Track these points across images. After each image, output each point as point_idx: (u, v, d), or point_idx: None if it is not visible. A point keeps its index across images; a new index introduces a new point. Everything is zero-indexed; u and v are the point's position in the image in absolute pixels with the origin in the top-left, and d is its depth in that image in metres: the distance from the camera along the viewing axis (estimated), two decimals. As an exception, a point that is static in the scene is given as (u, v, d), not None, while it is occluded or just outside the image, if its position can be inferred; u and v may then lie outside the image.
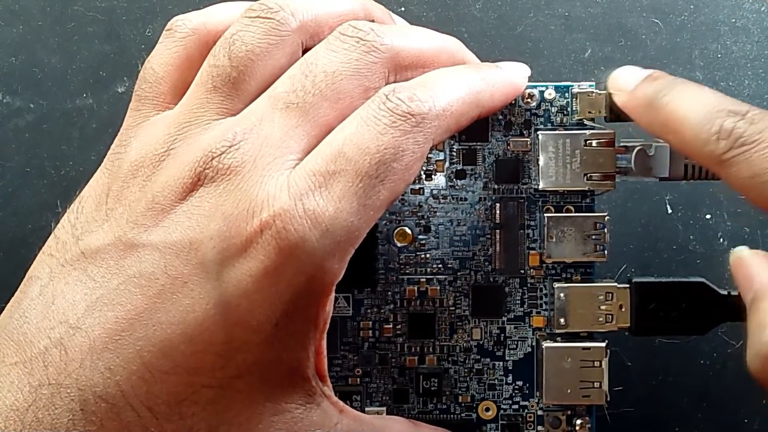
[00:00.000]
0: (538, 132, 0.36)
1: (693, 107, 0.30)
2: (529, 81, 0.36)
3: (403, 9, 0.43)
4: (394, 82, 0.30)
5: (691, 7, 0.43)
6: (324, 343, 0.30)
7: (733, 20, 0.43)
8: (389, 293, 0.37)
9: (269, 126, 0.28)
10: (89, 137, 0.42)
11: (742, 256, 0.31)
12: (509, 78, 0.34)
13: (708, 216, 0.42)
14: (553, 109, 0.37)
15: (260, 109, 0.29)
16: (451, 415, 0.37)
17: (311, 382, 0.30)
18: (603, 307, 0.36)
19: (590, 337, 0.36)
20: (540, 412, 0.37)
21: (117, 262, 0.28)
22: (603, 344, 0.36)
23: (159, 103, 0.31)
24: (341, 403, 0.31)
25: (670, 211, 0.42)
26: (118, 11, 0.43)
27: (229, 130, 0.28)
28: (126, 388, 0.27)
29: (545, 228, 0.36)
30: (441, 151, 0.37)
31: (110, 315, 0.27)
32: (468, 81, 0.31)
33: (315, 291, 0.28)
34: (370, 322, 0.37)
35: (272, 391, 0.29)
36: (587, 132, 0.35)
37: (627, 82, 0.33)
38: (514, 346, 0.37)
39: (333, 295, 0.29)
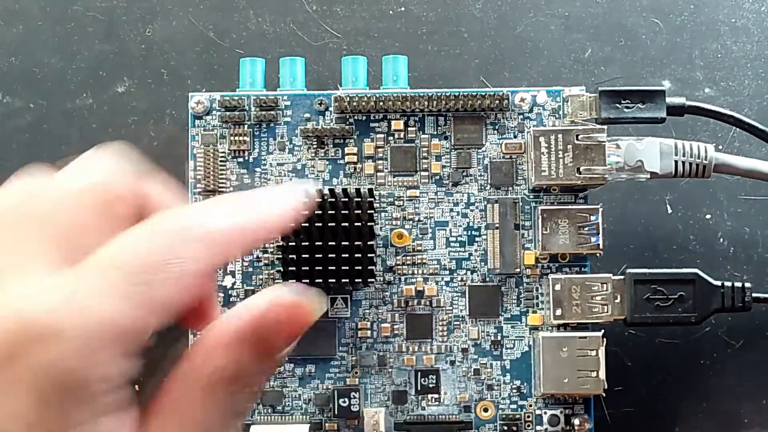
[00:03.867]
0: (531, 128, 0.36)
1: None
2: (522, 86, 0.36)
3: (403, 8, 0.43)
4: None
5: (692, 7, 0.43)
6: None
7: (733, 20, 0.43)
8: (387, 294, 0.37)
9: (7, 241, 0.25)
10: (89, 137, 0.42)
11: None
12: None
13: (708, 216, 0.42)
14: (545, 112, 0.37)
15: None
16: (450, 416, 0.37)
17: None
18: (598, 298, 0.36)
19: (586, 328, 0.36)
20: (538, 411, 0.37)
21: None
22: (599, 333, 0.36)
23: None
24: None
25: (670, 210, 0.42)
26: (118, 11, 0.43)
27: None
28: None
29: (539, 220, 0.36)
30: (437, 153, 0.37)
31: None
32: None
33: (90, 387, 0.24)
34: (368, 323, 0.37)
35: None
36: (579, 127, 0.36)
37: None
38: (511, 345, 0.37)
39: None
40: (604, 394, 0.36)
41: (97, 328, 0.24)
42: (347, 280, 0.36)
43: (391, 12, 0.43)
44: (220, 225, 0.26)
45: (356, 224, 0.36)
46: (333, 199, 0.36)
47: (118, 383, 0.24)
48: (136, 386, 0.25)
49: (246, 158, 0.38)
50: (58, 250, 0.25)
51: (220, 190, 0.38)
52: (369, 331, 0.37)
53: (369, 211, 0.36)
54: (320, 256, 0.36)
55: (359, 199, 0.36)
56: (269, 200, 0.28)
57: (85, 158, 0.28)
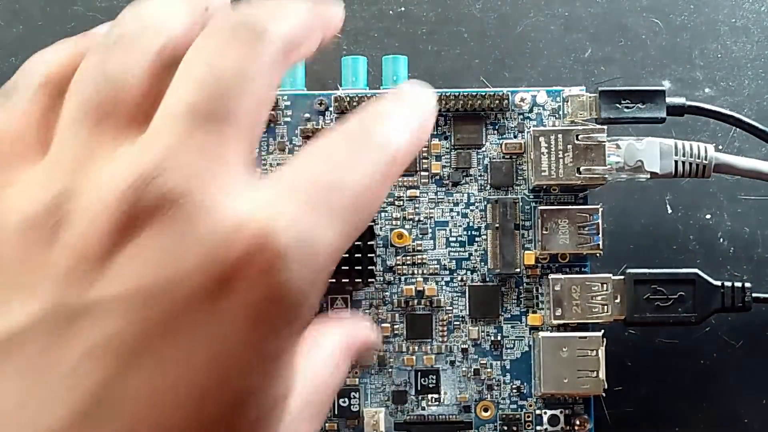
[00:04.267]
0: (531, 128, 0.36)
1: None
2: (522, 86, 0.36)
3: (402, 8, 0.43)
4: None
5: (691, 7, 0.43)
6: None
7: (734, 20, 0.43)
8: (387, 294, 0.37)
9: (199, 139, 0.23)
10: (89, 137, 0.42)
11: None
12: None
13: (708, 216, 0.42)
14: (545, 113, 0.37)
15: (175, 124, 0.23)
16: (450, 416, 0.37)
17: None
18: (598, 298, 0.36)
19: (586, 328, 0.36)
20: (538, 411, 0.37)
21: (60, 338, 0.22)
22: (599, 333, 0.36)
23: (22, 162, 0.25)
24: None
25: (670, 210, 0.42)
26: (118, 11, 0.42)
27: (147, 151, 0.23)
28: None
29: (539, 220, 0.36)
30: (437, 153, 0.37)
31: (78, 402, 0.21)
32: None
33: (301, 321, 0.24)
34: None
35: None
36: (579, 127, 0.36)
37: None
38: (512, 346, 0.37)
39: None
40: (604, 395, 0.36)
41: (324, 252, 0.23)
42: (347, 280, 0.36)
43: (391, 12, 0.43)
44: (404, 143, 0.25)
45: (356, 224, 0.36)
46: (333, 199, 0.36)
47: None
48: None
49: (246, 158, 0.38)
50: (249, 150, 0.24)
51: (220, 190, 0.38)
52: (369, 331, 0.37)
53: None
54: (320, 256, 0.36)
55: (359, 199, 0.36)
56: (422, 114, 0.27)
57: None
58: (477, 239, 0.37)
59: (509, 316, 0.37)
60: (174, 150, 0.22)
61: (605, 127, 0.36)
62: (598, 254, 0.36)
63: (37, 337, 0.21)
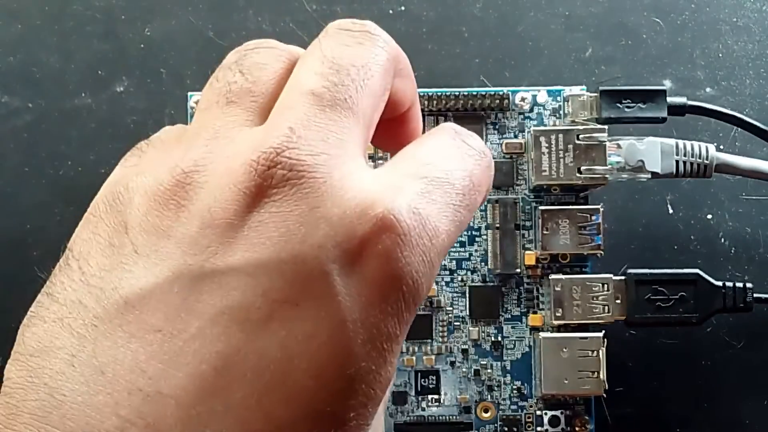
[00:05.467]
0: (532, 128, 0.36)
1: None
2: (523, 85, 0.36)
3: (403, 8, 0.43)
4: None
5: (693, 6, 0.43)
6: None
7: (735, 19, 0.43)
8: (387, 294, 0.37)
9: (323, 121, 0.24)
10: (88, 137, 0.42)
11: None
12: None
13: (709, 216, 0.42)
14: (546, 112, 0.37)
15: (301, 106, 0.24)
16: (450, 417, 0.37)
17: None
18: (599, 299, 0.36)
19: (587, 328, 0.36)
20: (539, 412, 0.37)
21: (185, 302, 0.22)
22: (600, 334, 0.36)
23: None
24: None
25: (671, 210, 0.42)
26: (117, 10, 0.43)
27: (275, 127, 0.24)
28: None
29: (539, 220, 0.36)
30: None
31: (202, 367, 0.21)
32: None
33: (417, 304, 0.24)
34: (368, 323, 0.37)
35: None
36: (579, 127, 0.36)
37: None
38: (512, 346, 0.37)
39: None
40: (604, 395, 0.36)
41: (440, 237, 0.24)
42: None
43: (391, 12, 0.43)
44: (491, 160, 0.27)
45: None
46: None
47: None
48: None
49: (245, 158, 0.38)
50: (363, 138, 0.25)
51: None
52: (369, 332, 0.37)
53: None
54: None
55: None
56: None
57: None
58: (477, 239, 0.37)
59: (510, 316, 0.37)
60: (300, 127, 0.23)
61: (606, 126, 0.36)
62: (598, 254, 0.36)
63: (162, 300, 0.22)
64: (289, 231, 0.22)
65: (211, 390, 0.21)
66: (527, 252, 0.37)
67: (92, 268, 0.23)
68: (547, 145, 0.36)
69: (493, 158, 0.37)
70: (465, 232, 0.37)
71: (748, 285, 0.37)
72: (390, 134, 0.27)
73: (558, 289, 0.36)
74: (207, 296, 0.22)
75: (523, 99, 0.37)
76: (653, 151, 0.36)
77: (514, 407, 0.37)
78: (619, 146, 0.36)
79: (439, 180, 0.24)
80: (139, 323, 0.22)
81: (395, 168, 0.25)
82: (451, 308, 0.37)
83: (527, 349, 0.37)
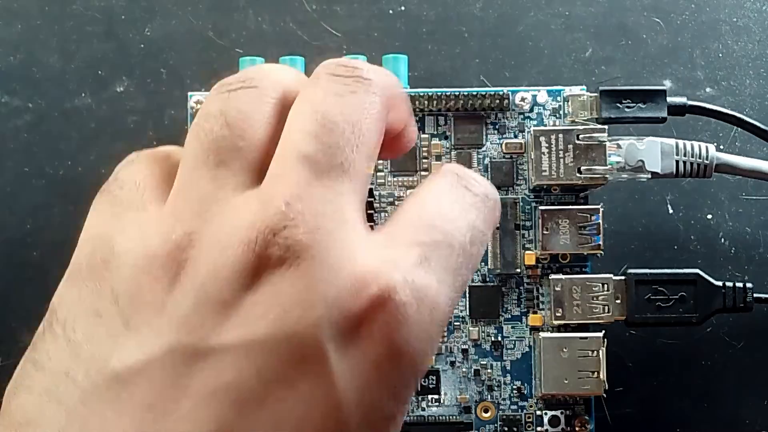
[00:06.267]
0: (532, 128, 0.36)
1: None
2: (523, 85, 0.36)
3: (403, 8, 0.43)
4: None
5: (693, 6, 0.43)
6: None
7: (735, 19, 0.43)
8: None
9: (319, 191, 0.23)
10: (88, 137, 0.42)
11: None
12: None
13: (709, 216, 0.42)
14: (546, 112, 0.37)
15: (295, 174, 0.23)
16: (450, 416, 0.37)
17: None
18: (599, 299, 0.36)
19: (587, 328, 0.36)
20: (539, 412, 0.37)
21: (178, 380, 0.21)
22: (600, 334, 0.36)
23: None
24: None
25: (671, 210, 0.42)
26: (117, 10, 0.43)
27: (273, 200, 0.23)
28: None
29: (539, 220, 0.36)
30: (437, 153, 0.37)
31: None
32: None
33: (417, 380, 0.24)
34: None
35: None
36: (579, 127, 0.36)
37: None
38: (512, 346, 0.37)
39: None
40: (604, 395, 0.36)
41: (442, 315, 0.23)
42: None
43: (391, 12, 0.43)
44: (497, 199, 0.27)
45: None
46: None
47: None
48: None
49: (245, 158, 0.38)
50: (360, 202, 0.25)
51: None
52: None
53: (369, 212, 0.36)
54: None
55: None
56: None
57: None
58: (477, 239, 0.37)
59: (510, 316, 0.37)
60: (296, 200, 0.23)
61: (606, 126, 0.36)
62: (598, 254, 0.36)
63: (154, 377, 0.21)
64: (284, 310, 0.22)
65: None
66: (527, 252, 0.37)
67: (79, 337, 0.23)
68: (547, 145, 0.36)
69: (493, 158, 0.37)
70: (465, 232, 0.37)
71: (748, 285, 0.37)
72: (383, 148, 0.26)
73: (558, 289, 0.36)
74: (200, 375, 0.22)
75: (523, 99, 0.37)
76: (653, 151, 0.36)
77: (514, 407, 0.37)
78: (619, 146, 0.36)
79: (437, 243, 0.24)
80: (130, 400, 0.21)
81: (392, 234, 0.24)
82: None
83: (527, 349, 0.37)
